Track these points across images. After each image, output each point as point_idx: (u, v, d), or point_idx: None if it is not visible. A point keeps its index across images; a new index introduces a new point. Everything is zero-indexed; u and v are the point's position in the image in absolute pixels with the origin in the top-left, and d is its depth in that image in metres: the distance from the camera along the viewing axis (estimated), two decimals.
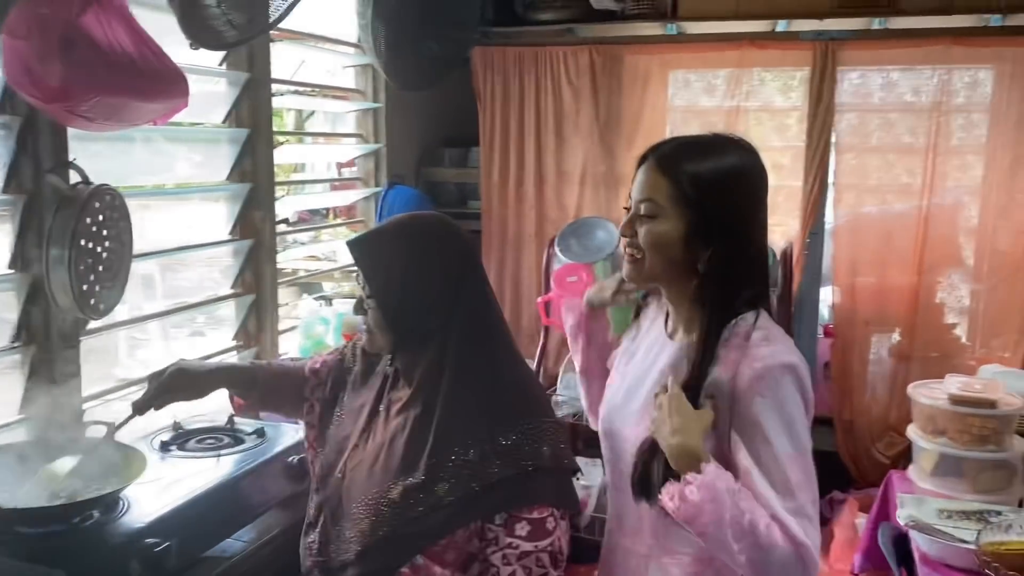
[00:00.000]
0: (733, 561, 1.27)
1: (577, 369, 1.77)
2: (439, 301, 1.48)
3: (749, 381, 1.33)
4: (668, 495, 1.29)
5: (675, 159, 1.41)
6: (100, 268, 1.83)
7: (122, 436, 1.77)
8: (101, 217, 1.81)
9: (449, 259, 1.51)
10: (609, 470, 1.59)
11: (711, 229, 1.39)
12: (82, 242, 1.76)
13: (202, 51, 2.07)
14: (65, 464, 1.66)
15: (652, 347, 1.53)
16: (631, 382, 1.55)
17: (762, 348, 1.35)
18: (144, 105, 1.76)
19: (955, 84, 2.95)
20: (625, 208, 1.48)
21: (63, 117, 1.67)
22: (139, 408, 1.65)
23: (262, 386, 1.74)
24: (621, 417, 1.53)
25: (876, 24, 2.94)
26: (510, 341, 1.56)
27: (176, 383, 1.65)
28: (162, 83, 1.78)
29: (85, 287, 1.78)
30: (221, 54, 2.38)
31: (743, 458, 1.32)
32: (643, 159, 1.45)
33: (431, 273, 1.49)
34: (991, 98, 2.95)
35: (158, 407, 1.66)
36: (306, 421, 1.74)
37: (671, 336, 1.51)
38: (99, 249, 1.82)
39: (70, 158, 1.83)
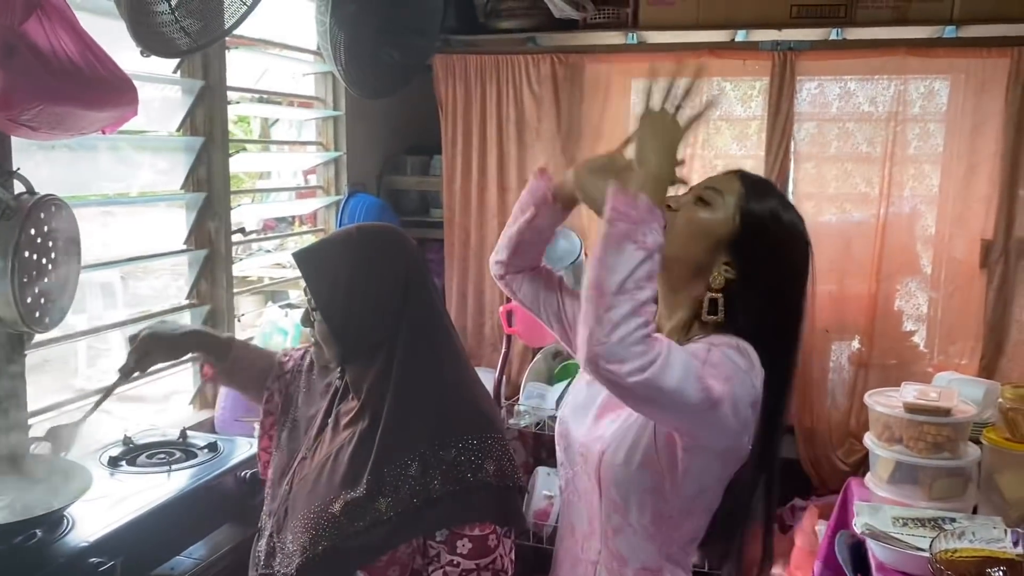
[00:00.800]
0: (597, 298, 1.14)
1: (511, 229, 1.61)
2: (384, 313, 1.47)
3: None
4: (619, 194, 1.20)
5: (761, 187, 1.41)
6: (45, 280, 1.78)
7: (72, 451, 1.75)
8: (46, 228, 1.77)
9: (394, 270, 1.49)
10: (562, 473, 1.57)
11: (739, 250, 1.36)
12: (26, 254, 1.72)
13: (155, 58, 2.04)
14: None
15: None
16: (593, 387, 1.50)
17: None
18: (91, 114, 1.72)
19: (911, 94, 2.98)
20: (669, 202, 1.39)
21: (5, 126, 1.63)
22: (125, 373, 1.68)
23: (233, 358, 1.74)
24: (577, 420, 1.50)
25: (833, 35, 2.97)
26: (458, 354, 1.55)
27: (152, 346, 1.67)
28: (109, 91, 1.74)
29: (29, 299, 1.74)
30: (174, 61, 2.34)
31: None
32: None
33: (375, 285, 1.47)
34: (946, 108, 2.99)
35: (142, 370, 1.69)
36: (264, 408, 1.73)
37: None
38: (44, 260, 1.78)
39: (14, 167, 1.78)
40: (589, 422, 1.48)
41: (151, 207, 2.58)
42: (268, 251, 3.93)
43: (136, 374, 1.70)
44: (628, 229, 1.17)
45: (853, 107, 3.04)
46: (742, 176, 1.42)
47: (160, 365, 1.77)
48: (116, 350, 5.29)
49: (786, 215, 1.39)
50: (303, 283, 1.53)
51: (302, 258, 1.53)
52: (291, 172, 4.93)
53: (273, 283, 3.72)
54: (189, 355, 1.80)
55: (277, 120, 5.26)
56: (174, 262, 2.69)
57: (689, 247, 1.38)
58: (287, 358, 1.78)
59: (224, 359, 1.74)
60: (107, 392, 1.72)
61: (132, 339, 1.68)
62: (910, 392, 2.36)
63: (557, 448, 1.57)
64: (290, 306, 3.15)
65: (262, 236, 4.15)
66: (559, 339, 1.69)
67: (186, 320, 2.49)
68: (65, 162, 2.04)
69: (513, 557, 1.46)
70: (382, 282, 1.48)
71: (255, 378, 1.76)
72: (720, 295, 1.37)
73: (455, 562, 1.40)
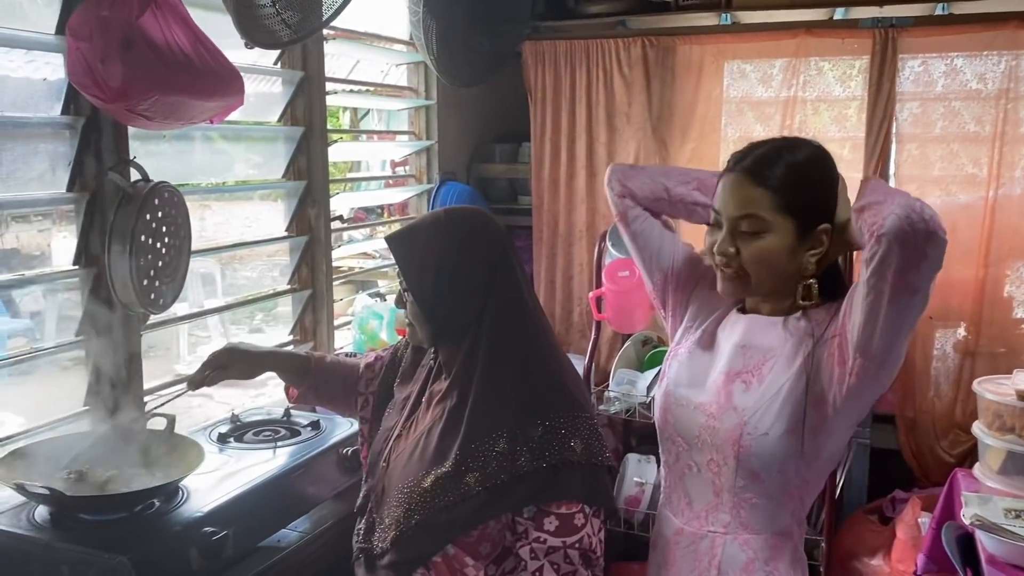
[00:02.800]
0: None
1: None
2: (472, 293, 1.50)
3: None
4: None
5: (763, 166, 1.41)
6: (159, 264, 1.87)
7: (181, 428, 1.83)
8: (160, 214, 1.86)
9: (481, 252, 1.52)
10: (669, 448, 1.58)
11: (815, 229, 1.40)
12: (142, 238, 1.81)
13: (257, 50, 2.11)
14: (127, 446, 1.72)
15: (725, 326, 1.53)
16: (701, 359, 1.55)
17: None
18: (201, 104, 1.80)
19: (1023, 70, 2.84)
20: (711, 224, 1.46)
21: (124, 116, 1.72)
22: (192, 384, 1.72)
23: (314, 376, 1.79)
24: (692, 394, 1.52)
25: (939, 10, 2.85)
26: (546, 333, 1.56)
27: (227, 360, 1.72)
28: (218, 82, 1.81)
29: (145, 282, 1.83)
30: (275, 53, 2.42)
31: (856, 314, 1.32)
32: (727, 168, 1.45)
33: (464, 265, 1.51)
34: None
35: (211, 383, 1.72)
36: (359, 416, 1.78)
37: (745, 311, 1.52)
38: (158, 245, 1.87)
39: (131, 156, 1.87)
40: (712, 395, 1.49)
41: (244, 199, 2.67)
42: (357, 240, 4.02)
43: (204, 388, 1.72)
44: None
45: (960, 85, 2.91)
46: (748, 175, 1.41)
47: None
48: (216, 338, 5.51)
49: (796, 154, 1.42)
50: (396, 266, 1.57)
51: (393, 241, 1.57)
52: (380, 162, 5.03)
53: (363, 272, 3.80)
54: (264, 374, 1.81)
55: (368, 111, 5.36)
56: (269, 251, 2.79)
57: (775, 272, 1.42)
58: (375, 359, 1.83)
59: (305, 378, 1.78)
60: (172, 399, 1.77)
61: (211, 354, 1.72)
62: (1023, 379, 2.26)
63: (662, 425, 1.57)
64: (378, 295, 3.22)
65: (354, 225, 4.24)
66: (651, 287, 1.70)
67: (287, 305, 2.58)
68: (168, 152, 2.13)
69: (602, 537, 1.46)
70: (469, 263, 1.51)
71: (341, 390, 1.81)
72: (813, 278, 1.41)
73: (542, 539, 1.41)
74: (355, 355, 2.54)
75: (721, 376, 1.49)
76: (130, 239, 1.77)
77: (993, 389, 2.29)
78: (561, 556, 1.41)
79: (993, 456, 2.27)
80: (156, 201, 1.84)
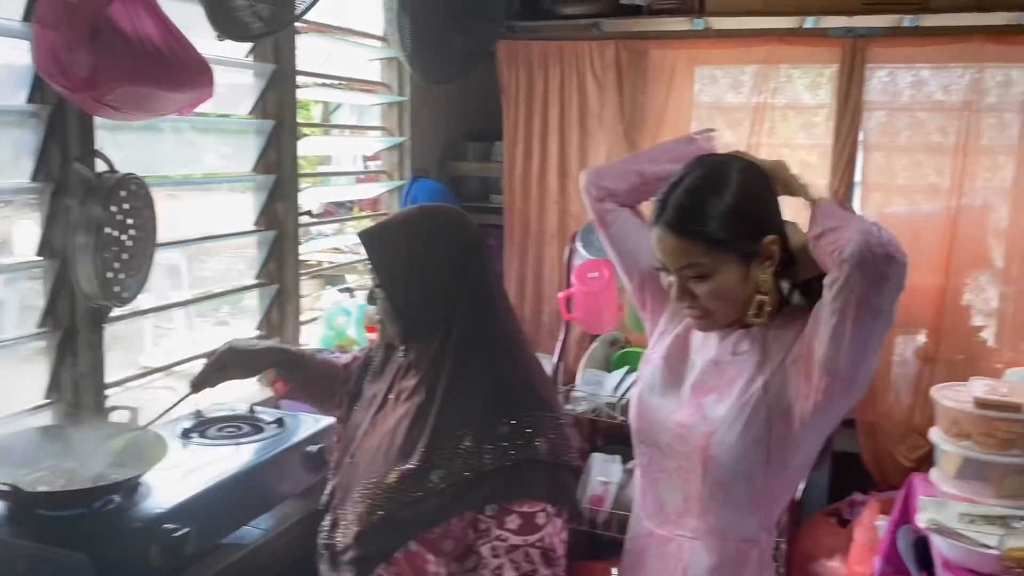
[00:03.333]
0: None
1: None
2: (444, 292, 1.50)
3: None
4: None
5: (686, 217, 1.39)
6: (124, 256, 1.85)
7: (141, 422, 1.81)
8: (126, 206, 1.83)
9: (453, 250, 1.53)
10: (642, 452, 1.59)
11: (759, 247, 1.41)
12: (107, 230, 1.78)
13: (228, 42, 2.09)
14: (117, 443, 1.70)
15: (697, 333, 1.54)
16: (674, 365, 1.56)
17: None
18: (170, 95, 1.78)
19: (987, 83, 2.89)
20: (658, 270, 1.47)
21: (90, 106, 1.69)
22: (196, 386, 1.71)
23: (306, 372, 1.79)
24: (664, 400, 1.53)
25: (907, 21, 2.90)
26: (516, 333, 1.57)
27: (229, 360, 1.71)
28: (187, 73, 1.79)
29: (109, 275, 1.80)
30: (247, 45, 2.39)
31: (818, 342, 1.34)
32: (654, 220, 1.43)
33: (436, 263, 1.51)
34: None
35: (213, 384, 1.72)
36: (336, 415, 1.78)
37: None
38: (123, 237, 1.84)
39: (97, 147, 1.84)
40: (683, 402, 1.51)
41: (212, 191, 2.64)
42: (327, 235, 4.00)
43: (207, 389, 1.72)
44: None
45: (925, 96, 2.97)
46: (676, 227, 1.40)
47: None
48: (180, 330, 5.45)
49: (722, 202, 1.39)
50: (368, 262, 1.56)
51: (366, 237, 1.57)
52: (351, 157, 5.00)
53: (332, 267, 3.79)
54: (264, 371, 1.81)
55: (339, 105, 5.33)
56: (236, 244, 2.76)
57: (735, 301, 1.43)
58: (351, 359, 1.83)
59: (297, 373, 1.78)
60: (176, 404, 1.75)
61: (211, 354, 1.72)
62: (980, 387, 2.31)
63: (636, 429, 1.59)
64: (348, 290, 3.21)
65: (323, 220, 4.22)
66: (631, 289, 1.71)
67: (254, 298, 2.56)
68: (136, 144, 2.11)
69: (564, 537, 1.47)
70: (441, 261, 1.51)
71: (327, 389, 1.80)
72: (766, 295, 1.43)
73: (503, 537, 1.42)
74: (333, 353, 2.54)
75: (694, 387, 1.50)
76: (95, 231, 1.74)
77: (951, 396, 2.33)
78: (522, 555, 1.41)
79: (949, 462, 2.31)
80: (122, 193, 1.82)
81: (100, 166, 1.84)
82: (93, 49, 1.58)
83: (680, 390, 1.52)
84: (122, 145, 1.98)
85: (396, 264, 1.51)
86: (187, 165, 2.45)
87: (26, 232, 2.30)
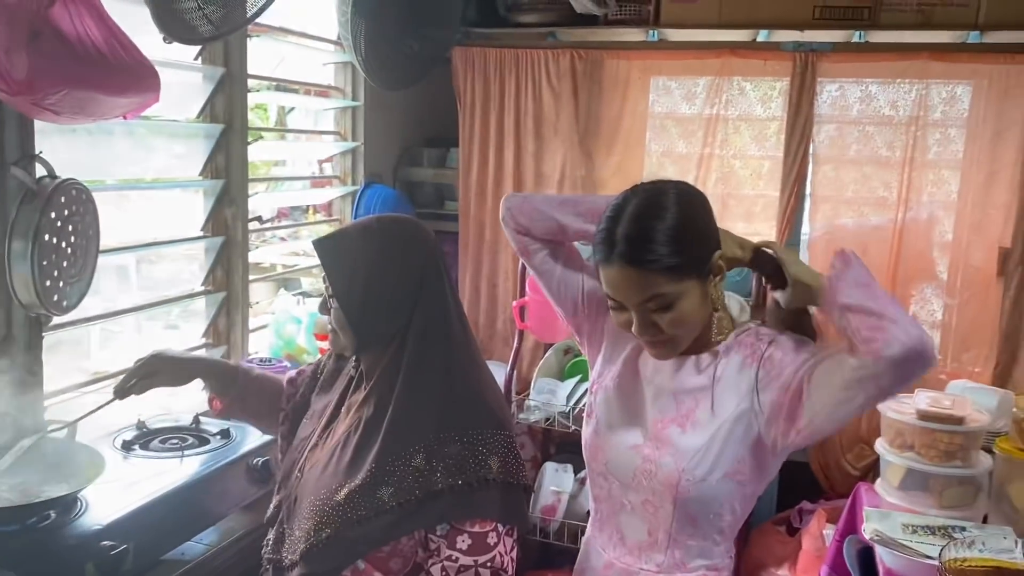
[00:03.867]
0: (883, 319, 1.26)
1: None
2: (400, 304, 1.48)
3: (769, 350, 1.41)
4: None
5: (640, 248, 1.35)
6: (64, 264, 1.80)
7: (83, 434, 1.76)
8: (66, 212, 1.78)
9: (411, 262, 1.50)
10: (599, 483, 1.56)
11: (709, 266, 1.40)
12: (46, 237, 1.73)
13: (176, 44, 2.04)
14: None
15: (647, 360, 1.52)
16: (628, 394, 1.53)
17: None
18: (113, 99, 1.73)
19: (933, 99, 2.96)
20: (613, 308, 1.42)
21: (29, 110, 1.64)
22: (120, 392, 1.65)
23: (241, 387, 1.73)
24: (624, 433, 1.51)
25: (856, 37, 2.95)
26: (469, 346, 1.55)
27: (156, 368, 1.66)
28: (132, 77, 1.75)
29: (48, 283, 1.75)
30: (196, 48, 2.34)
31: (803, 371, 1.35)
32: (604, 258, 1.38)
33: (392, 275, 1.49)
34: (968, 114, 2.96)
35: (139, 392, 1.66)
36: (280, 432, 1.74)
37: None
38: (64, 244, 1.79)
39: (36, 151, 1.79)
40: (647, 438, 1.48)
41: (167, 193, 2.59)
42: (282, 239, 3.95)
43: (132, 396, 1.67)
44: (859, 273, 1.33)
45: (874, 110, 3.02)
46: (632, 261, 1.35)
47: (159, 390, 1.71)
48: (129, 333, 5.32)
49: (672, 230, 1.37)
50: (322, 271, 1.54)
51: (321, 246, 1.54)
52: (306, 161, 4.94)
53: (286, 271, 3.74)
54: (193, 381, 1.76)
55: (293, 109, 5.26)
56: (188, 248, 2.71)
57: (697, 323, 1.43)
58: (296, 373, 1.79)
59: (231, 388, 1.73)
60: (98, 408, 1.70)
61: (137, 361, 1.67)
62: (923, 399, 2.34)
63: (592, 463, 1.56)
64: (303, 294, 3.16)
65: (277, 225, 4.16)
66: (564, 318, 1.67)
67: (200, 304, 2.50)
68: (83, 146, 2.05)
69: (514, 556, 1.46)
70: (399, 273, 1.49)
71: (265, 405, 1.76)
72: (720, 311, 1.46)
73: (453, 557, 1.40)
74: (268, 359, 2.49)
75: (655, 420, 1.48)
76: (32, 238, 1.69)
77: (895, 408, 2.37)
78: (472, 575, 1.40)
79: (893, 472, 2.35)
80: (62, 199, 1.77)
81: (40, 171, 1.78)
82: (32, 51, 1.53)
83: (640, 421, 1.50)
84: (70, 148, 1.93)
85: (352, 275, 1.49)
86: (138, 168, 2.39)
87: None
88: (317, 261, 3.09)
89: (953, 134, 2.99)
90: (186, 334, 3.08)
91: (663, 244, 1.34)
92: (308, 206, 4.17)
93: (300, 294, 3.18)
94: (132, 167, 2.37)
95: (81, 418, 1.70)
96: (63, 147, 1.88)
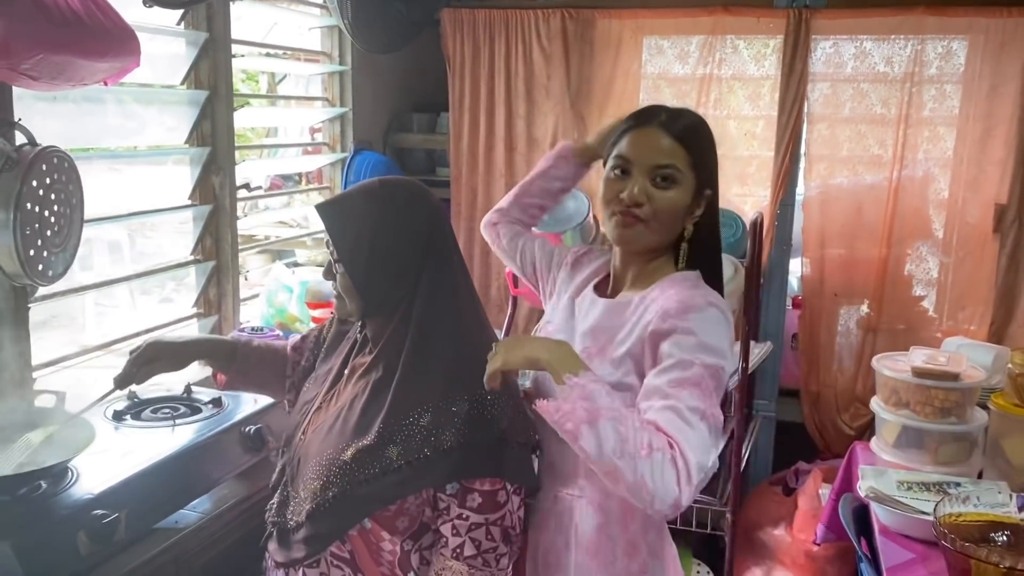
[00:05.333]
0: (614, 473, 1.24)
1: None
2: (406, 267, 1.47)
3: (672, 312, 1.38)
4: (544, 407, 1.29)
5: (677, 122, 1.47)
6: (48, 232, 1.77)
7: (73, 405, 1.75)
8: (48, 180, 1.75)
9: (417, 225, 1.49)
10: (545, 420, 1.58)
11: (706, 184, 1.48)
12: (28, 205, 1.70)
13: (157, 9, 2.00)
14: (37, 436, 1.64)
15: (582, 305, 1.57)
16: (565, 332, 1.57)
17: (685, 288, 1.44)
18: (92, 64, 1.69)
19: (928, 55, 2.92)
20: (620, 170, 1.47)
21: (5, 75, 1.60)
22: (120, 382, 1.65)
23: (242, 361, 1.74)
24: None
25: None
26: (477, 310, 1.55)
27: (154, 354, 1.65)
28: (111, 41, 1.71)
29: (32, 252, 1.72)
30: (178, 13, 2.30)
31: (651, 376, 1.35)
32: (641, 123, 1.49)
33: (398, 238, 1.47)
34: (964, 69, 2.93)
35: (139, 380, 1.66)
36: (287, 399, 1.74)
37: (610, 295, 1.56)
38: (47, 213, 1.76)
39: (15, 118, 1.76)
40: None
41: (157, 162, 2.55)
42: (273, 208, 3.90)
43: (133, 385, 1.67)
44: (576, 425, 1.23)
45: (868, 67, 2.98)
46: (668, 128, 1.47)
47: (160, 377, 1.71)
48: (123, 307, 5.31)
49: (697, 116, 1.52)
50: (326, 236, 1.52)
51: (325, 211, 1.52)
52: (298, 129, 4.88)
53: (279, 241, 3.71)
54: (192, 364, 1.76)
55: (285, 76, 5.20)
56: (180, 219, 2.68)
57: (675, 225, 1.48)
58: (300, 339, 1.79)
59: (232, 362, 1.74)
60: (100, 399, 1.70)
61: (134, 350, 1.66)
62: (918, 356, 2.34)
63: (534, 395, 1.58)
64: (296, 264, 3.14)
65: (262, 194, 4.12)
66: (529, 282, 1.84)
67: (191, 275, 2.49)
68: (67, 115, 2.02)
69: (522, 515, 1.47)
70: (405, 235, 1.48)
71: (270, 374, 1.77)
72: (687, 243, 1.49)
73: (464, 515, 1.40)
74: (260, 328, 2.48)
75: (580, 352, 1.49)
76: (14, 207, 1.66)
77: (890, 365, 2.37)
78: (483, 533, 1.40)
79: (889, 430, 2.35)
80: (43, 167, 1.73)
81: (19, 139, 1.75)
82: (6, 15, 1.49)
83: None
84: (55, 115, 1.90)
85: (357, 239, 1.47)
86: (126, 137, 2.35)
87: None
88: (309, 231, 3.07)
89: (949, 90, 2.96)
90: (180, 307, 3.07)
91: (694, 130, 1.48)
92: (300, 175, 4.13)
93: (293, 264, 3.16)
94: (116, 136, 2.33)
95: (84, 410, 1.68)
96: (47, 117, 1.84)
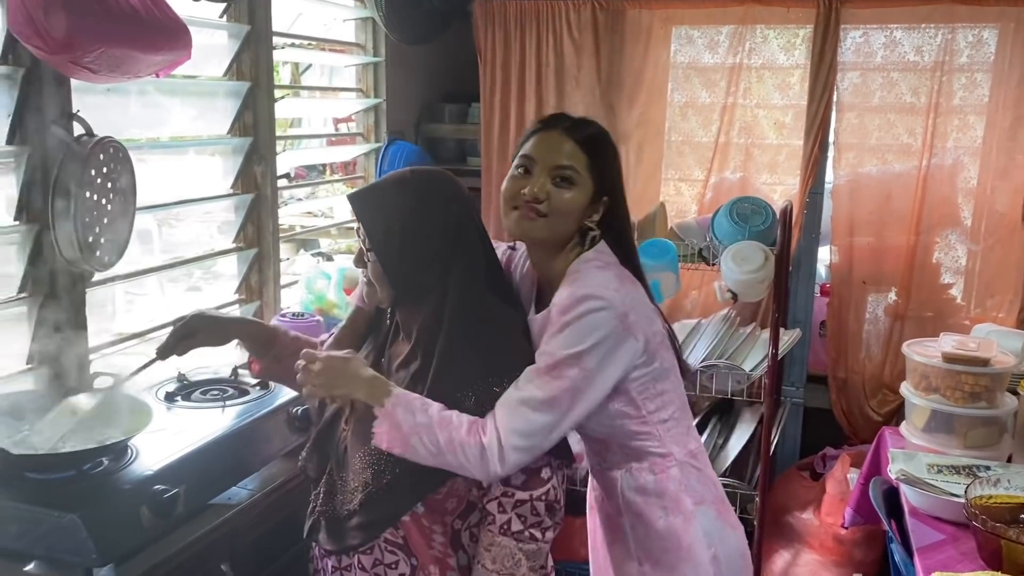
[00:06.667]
0: (444, 466, 1.45)
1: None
2: (437, 255, 1.51)
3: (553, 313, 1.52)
4: (377, 439, 1.46)
5: (580, 129, 1.58)
6: (104, 220, 1.84)
7: (127, 386, 1.81)
8: (105, 169, 1.82)
9: (447, 213, 1.53)
10: None
11: (604, 191, 1.58)
12: (87, 194, 1.77)
13: (203, 2, 2.06)
14: (82, 402, 1.70)
15: (532, 326, 1.62)
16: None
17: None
18: (147, 57, 1.76)
19: (959, 43, 2.93)
20: (523, 168, 1.58)
21: (67, 68, 1.67)
22: (162, 352, 1.68)
23: (280, 348, 1.75)
24: None
25: None
26: (507, 293, 1.60)
27: (197, 327, 1.68)
28: (165, 35, 1.77)
29: (90, 239, 1.80)
30: (222, 6, 2.36)
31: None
32: (546, 127, 1.60)
33: (429, 226, 1.51)
34: (994, 58, 2.93)
35: (180, 352, 1.69)
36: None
37: (541, 304, 1.63)
38: (103, 201, 1.83)
39: (74, 110, 1.82)
40: None
41: (178, 154, 2.59)
42: (299, 199, 3.96)
43: (172, 356, 1.69)
44: (401, 448, 1.45)
45: (898, 56, 2.99)
46: (570, 133, 1.57)
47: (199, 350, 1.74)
48: (152, 295, 5.39)
49: (599, 127, 1.63)
50: (357, 224, 1.56)
51: (357, 200, 1.56)
52: (321, 119, 4.92)
53: (305, 231, 3.76)
54: (232, 342, 1.80)
55: (310, 66, 5.25)
56: (207, 209, 2.74)
57: (571, 222, 1.57)
58: (330, 336, 1.81)
59: (269, 349, 1.74)
60: (142, 368, 1.73)
61: (178, 320, 1.69)
62: (948, 342, 2.36)
63: None
64: (321, 255, 3.20)
65: (299, 183, 4.17)
66: None
67: (227, 263, 2.54)
68: (114, 105, 2.07)
69: (564, 489, 1.53)
70: (435, 223, 1.51)
71: None
72: (595, 227, 1.59)
73: (509, 492, 1.45)
74: (301, 314, 2.54)
75: None
76: (74, 195, 1.73)
77: (920, 351, 2.39)
78: (528, 509, 1.46)
79: (918, 415, 2.38)
80: (101, 156, 1.80)
81: (78, 129, 1.81)
82: (69, 10, 1.55)
83: None
84: (93, 108, 1.95)
85: (389, 227, 1.51)
86: (157, 128, 2.40)
87: None
88: (334, 221, 3.10)
89: (979, 79, 2.96)
90: (209, 296, 3.12)
91: (596, 137, 1.60)
92: (324, 166, 4.18)
93: (318, 254, 3.21)
94: (154, 127, 2.39)
95: (130, 376, 1.74)
96: (89, 108, 1.89)
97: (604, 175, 1.58)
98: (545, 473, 1.47)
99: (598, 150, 1.58)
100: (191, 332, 1.68)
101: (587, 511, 1.85)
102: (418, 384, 1.51)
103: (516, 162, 1.60)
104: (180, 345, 1.68)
